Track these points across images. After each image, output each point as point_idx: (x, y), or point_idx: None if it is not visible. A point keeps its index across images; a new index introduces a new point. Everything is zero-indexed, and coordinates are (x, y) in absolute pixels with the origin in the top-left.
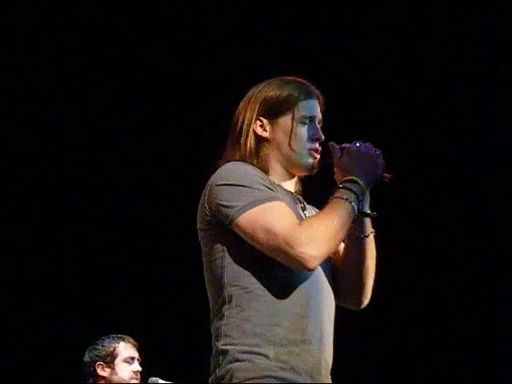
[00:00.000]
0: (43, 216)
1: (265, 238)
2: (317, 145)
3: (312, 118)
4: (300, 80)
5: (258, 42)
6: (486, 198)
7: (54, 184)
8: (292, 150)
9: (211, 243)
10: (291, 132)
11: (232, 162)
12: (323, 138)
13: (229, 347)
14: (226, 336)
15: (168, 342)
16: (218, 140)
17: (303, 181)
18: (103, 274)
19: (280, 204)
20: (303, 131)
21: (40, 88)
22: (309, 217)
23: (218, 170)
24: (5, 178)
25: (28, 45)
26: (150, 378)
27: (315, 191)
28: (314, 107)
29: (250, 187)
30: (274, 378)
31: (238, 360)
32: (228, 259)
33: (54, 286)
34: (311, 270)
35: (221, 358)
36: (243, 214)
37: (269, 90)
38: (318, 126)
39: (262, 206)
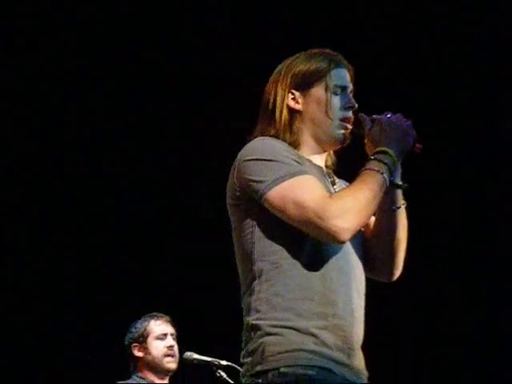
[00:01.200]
0: (43, 216)
1: (295, 212)
2: (350, 113)
3: (344, 88)
4: (328, 51)
5: (258, 42)
6: (486, 198)
7: (54, 184)
8: (326, 119)
9: (241, 219)
10: (324, 102)
11: (260, 137)
12: (357, 106)
13: (259, 322)
14: (256, 311)
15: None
16: (218, 140)
17: (336, 153)
18: (103, 274)
19: (309, 178)
20: (336, 100)
21: (40, 88)
22: (339, 190)
23: (246, 146)
24: (5, 178)
25: (28, 45)
26: (185, 353)
27: (346, 164)
28: (345, 76)
29: (278, 161)
30: (305, 351)
31: (269, 334)
32: (258, 234)
33: (54, 286)
34: (343, 243)
35: (252, 332)
36: (273, 189)
37: (298, 62)
38: (350, 95)
39: (291, 179)
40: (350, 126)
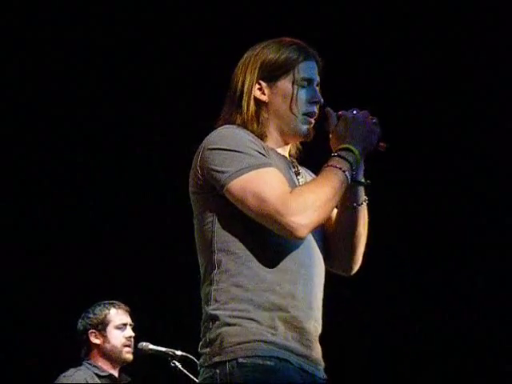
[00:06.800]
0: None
1: (255, 205)
2: (315, 108)
3: (311, 81)
4: (298, 42)
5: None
6: (485, 198)
7: (54, 183)
8: (290, 113)
9: (202, 207)
10: (290, 96)
11: (226, 126)
12: (322, 101)
13: (218, 312)
14: (215, 301)
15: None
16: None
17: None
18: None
19: (272, 171)
20: (302, 94)
21: (40, 88)
22: (301, 184)
23: (211, 134)
24: (5, 178)
25: (28, 45)
26: (140, 343)
27: (311, 157)
28: (313, 69)
29: (242, 152)
30: (263, 342)
31: (228, 324)
32: (218, 224)
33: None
34: (300, 239)
35: (211, 322)
36: (235, 180)
37: (267, 52)
38: (317, 89)
39: (254, 172)
40: (313, 121)
